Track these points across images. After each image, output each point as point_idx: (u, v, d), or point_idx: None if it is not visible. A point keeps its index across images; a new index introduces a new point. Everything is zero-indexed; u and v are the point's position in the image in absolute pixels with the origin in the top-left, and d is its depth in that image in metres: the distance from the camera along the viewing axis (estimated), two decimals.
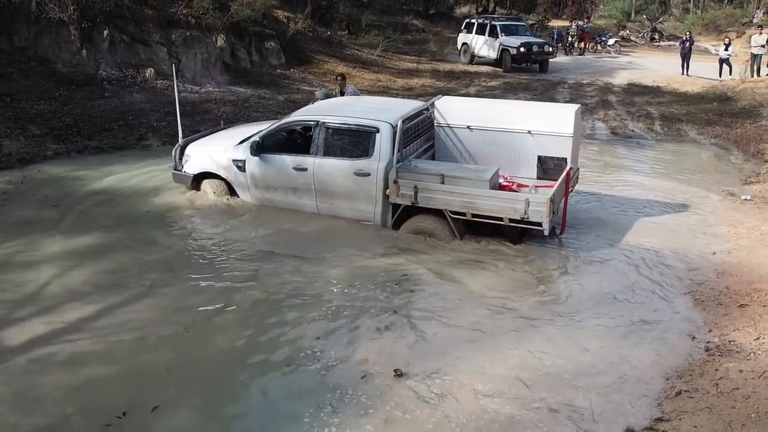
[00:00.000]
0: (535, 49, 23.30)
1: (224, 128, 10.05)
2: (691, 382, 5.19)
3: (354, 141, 8.07)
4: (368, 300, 6.52)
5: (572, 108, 8.34)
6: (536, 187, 7.85)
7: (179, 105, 9.54)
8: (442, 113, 8.64)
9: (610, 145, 13.09)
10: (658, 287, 6.88)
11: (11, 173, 9.94)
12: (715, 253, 7.66)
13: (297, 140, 8.65)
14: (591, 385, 5.16)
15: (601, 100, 17.71)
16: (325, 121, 8.21)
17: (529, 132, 8.17)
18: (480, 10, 40.43)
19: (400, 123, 7.65)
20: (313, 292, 6.65)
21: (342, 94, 11.24)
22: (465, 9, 43.92)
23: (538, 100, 17.41)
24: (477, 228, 7.80)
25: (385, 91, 18.13)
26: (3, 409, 4.82)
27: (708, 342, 5.80)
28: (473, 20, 26.21)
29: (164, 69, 15.76)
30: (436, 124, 8.70)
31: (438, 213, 7.73)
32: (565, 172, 7.82)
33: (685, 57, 22.32)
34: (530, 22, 32.33)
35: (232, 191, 8.96)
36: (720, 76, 20.89)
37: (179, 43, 16.66)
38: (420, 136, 8.54)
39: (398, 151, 7.70)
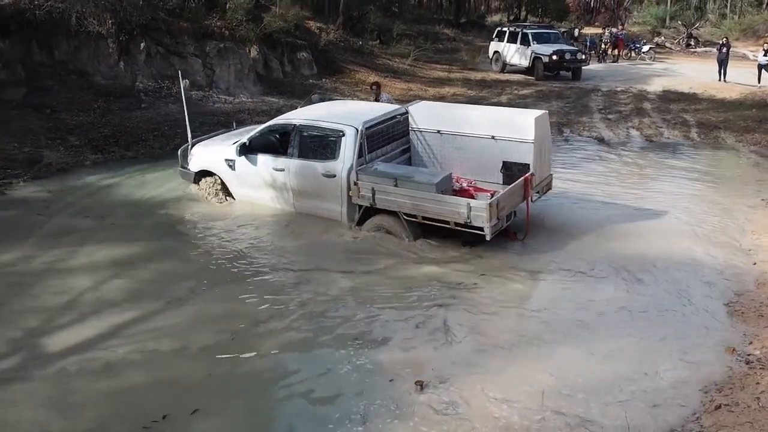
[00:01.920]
0: (567, 56, 23.09)
1: (234, 130, 10.27)
2: (731, 396, 5.06)
3: (323, 144, 8.36)
4: (402, 309, 6.53)
5: (534, 114, 8.30)
6: (492, 193, 7.91)
7: (187, 109, 9.93)
8: (415, 118, 8.85)
9: (645, 153, 12.89)
10: (695, 298, 6.73)
11: (51, 182, 10.19)
12: (755, 264, 7.47)
13: (278, 142, 8.90)
14: (626, 398, 5.07)
15: (636, 108, 17.46)
16: (300, 124, 8.56)
17: (492, 137, 8.24)
18: (512, 18, 40.33)
19: (362, 127, 8.02)
20: (347, 301, 6.68)
21: (376, 101, 11.27)
22: (496, 17, 43.84)
23: (571, 108, 17.32)
24: (433, 230, 7.84)
25: (416, 100, 18.12)
26: (43, 414, 4.92)
27: (749, 354, 5.65)
28: (505, 28, 26.12)
29: (199, 80, 16.05)
30: (410, 129, 8.88)
31: (395, 214, 7.90)
32: (521, 179, 7.82)
33: (722, 63, 21.91)
34: (562, 29, 32.07)
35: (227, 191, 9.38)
36: (759, 82, 20.45)
37: (213, 54, 16.94)
38: (395, 139, 8.78)
39: (361, 155, 8.06)
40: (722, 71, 21.90)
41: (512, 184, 7.81)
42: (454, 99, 18.95)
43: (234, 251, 7.88)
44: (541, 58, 23.14)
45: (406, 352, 5.79)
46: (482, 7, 48.28)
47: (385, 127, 8.57)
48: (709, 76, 22.40)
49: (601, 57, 29.15)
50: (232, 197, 9.34)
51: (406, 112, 8.93)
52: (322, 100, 10.99)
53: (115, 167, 11.18)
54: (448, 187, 7.80)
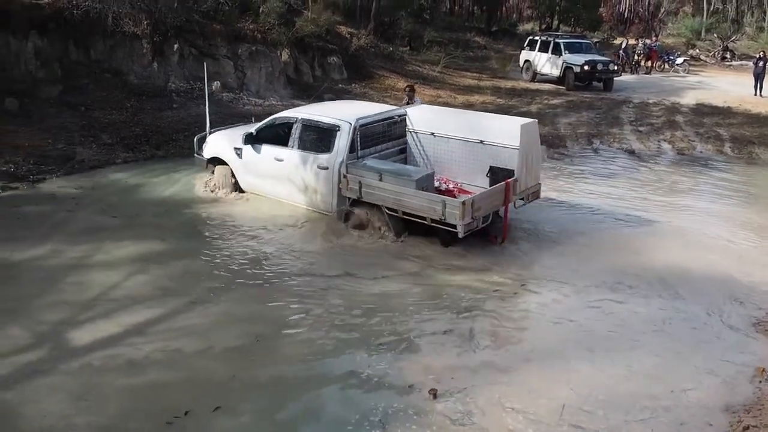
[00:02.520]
0: (599, 67, 22.85)
1: (253, 123, 10.42)
2: (760, 417, 4.94)
3: (320, 137, 8.73)
4: (427, 315, 6.53)
5: (521, 121, 8.42)
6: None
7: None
8: (412, 119, 9.15)
9: (677, 167, 12.70)
10: (725, 315, 6.61)
11: (82, 179, 10.38)
12: None
13: (282, 134, 9.19)
14: (650, 416, 4.98)
15: (668, 121, 17.21)
16: (302, 117, 9.02)
17: (481, 142, 8.45)
18: (543, 27, 40.06)
19: (356, 124, 8.40)
20: (372, 306, 6.69)
21: (408, 105, 11.27)
22: (528, 26, 43.61)
23: (602, 119, 17.14)
24: (414, 227, 8.04)
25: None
26: (67, 407, 4.99)
27: None
28: (536, 37, 25.94)
29: (230, 82, 16.22)
30: (407, 130, 9.17)
31: (379, 208, 8.18)
32: (501, 184, 7.99)
33: (759, 77, 21.52)
34: (595, 40, 31.78)
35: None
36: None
37: (245, 57, 17.12)
38: (392, 139, 9.12)
39: (353, 150, 8.41)
40: (758, 85, 21.51)
41: (490, 188, 8.10)
42: (483, 107, 18.88)
43: (258, 253, 7.92)
44: (572, 67, 22.93)
45: (429, 358, 5.78)
46: (514, 16, 48.09)
47: (381, 126, 8.94)
48: (745, 90, 22.02)
49: (634, 68, 28.82)
50: (241, 190, 9.69)
51: (405, 114, 9.21)
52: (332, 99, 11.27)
53: (145, 166, 11.35)
54: (429, 185, 8.03)
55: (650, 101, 20.36)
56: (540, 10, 41.21)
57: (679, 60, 29.65)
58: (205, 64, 12.73)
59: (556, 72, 23.71)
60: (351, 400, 5.21)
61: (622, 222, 9.28)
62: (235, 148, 9.50)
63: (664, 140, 14.94)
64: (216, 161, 9.90)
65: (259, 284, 7.14)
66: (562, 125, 16.33)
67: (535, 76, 24.88)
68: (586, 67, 22.57)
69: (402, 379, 5.45)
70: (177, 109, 14.22)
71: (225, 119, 13.84)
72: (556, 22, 41.20)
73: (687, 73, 28.41)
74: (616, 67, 23.92)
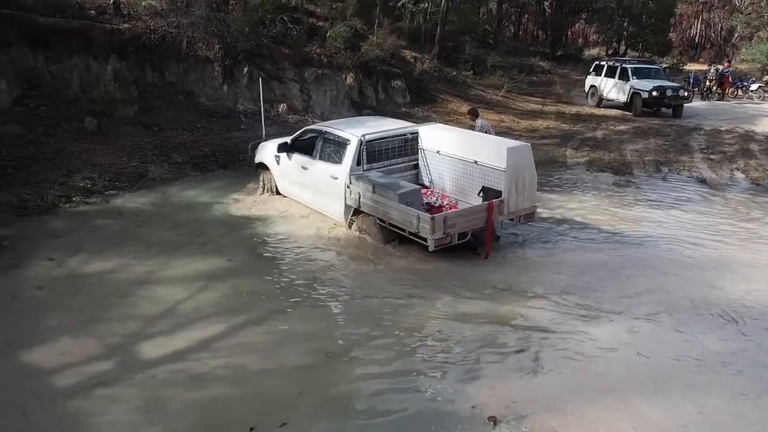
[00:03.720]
0: (668, 93, 22.24)
1: None
2: None
3: (335, 149, 9.38)
4: (493, 339, 6.51)
5: (509, 144, 8.74)
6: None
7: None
8: (422, 137, 9.68)
9: (751, 197, 12.18)
10: None
11: (153, 196, 10.78)
12: None
13: (309, 145, 9.91)
14: None
15: (741, 149, 16.57)
16: (324, 130, 9.72)
17: (475, 162, 8.80)
18: (610, 52, 39.42)
19: (363, 138, 8.99)
20: (437, 327, 6.72)
21: (472, 128, 11.49)
22: (594, 51, 43.00)
23: (671, 146, 16.66)
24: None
25: (507, 132, 17.98)
26: (135, 418, 5.15)
27: None
28: (603, 62, 25.50)
29: (296, 105, 16.58)
30: (419, 147, 9.69)
31: (373, 218, 8.72)
32: (482, 204, 8.39)
33: None
34: (664, 65, 31.04)
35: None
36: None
37: (311, 80, 17.49)
38: (404, 155, 9.67)
39: (359, 163, 9.01)
40: None
41: (468, 207, 8.54)
42: (547, 132, 18.70)
43: (316, 273, 8.04)
44: (640, 93, 22.43)
45: (492, 382, 5.77)
46: (579, 41, 47.53)
47: (391, 142, 9.48)
48: None
49: (705, 95, 27.96)
50: (279, 193, 10.62)
51: (417, 132, 9.71)
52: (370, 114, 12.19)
53: (212, 184, 11.69)
54: (415, 200, 8.39)
55: (722, 128, 19.68)
56: (607, 35, 40.61)
57: (754, 86, 28.59)
58: (260, 79, 13.71)
59: (622, 98, 23.23)
60: (413, 420, 5.23)
61: (694, 252, 8.97)
62: (275, 156, 10.36)
63: (738, 169, 14.38)
64: (263, 167, 10.82)
65: (321, 304, 7.24)
66: (629, 152, 15.96)
67: (601, 102, 24.44)
68: (654, 93, 22.01)
69: (464, 400, 5.46)
70: (244, 130, 14.60)
71: None
72: (623, 47, 40.50)
73: (762, 99, 27.35)
74: (686, 93, 23.25)
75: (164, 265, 8.08)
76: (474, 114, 12.13)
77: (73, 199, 10.18)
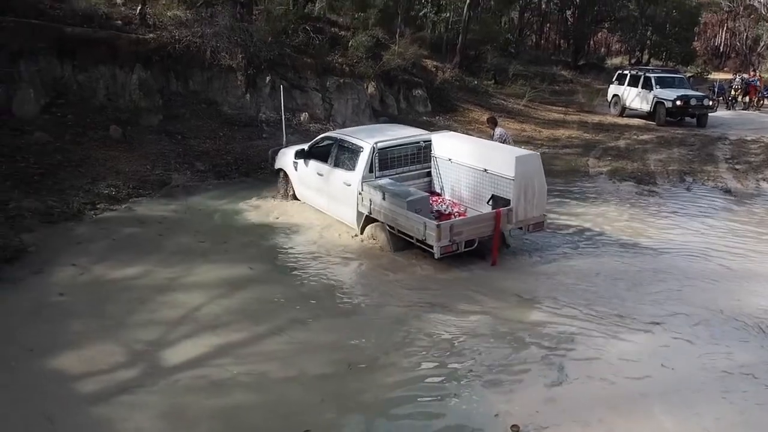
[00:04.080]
0: (693, 102, 22.01)
1: None
2: None
3: (349, 156, 9.52)
4: (518, 348, 6.49)
5: (516, 153, 8.74)
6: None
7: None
8: (435, 145, 9.74)
9: None
10: None
11: (176, 203, 10.90)
12: None
13: (325, 151, 10.09)
14: None
15: None
16: (339, 137, 9.90)
17: (485, 170, 8.85)
18: (633, 61, 39.13)
19: (375, 145, 9.11)
20: (460, 336, 6.71)
21: (491, 138, 11.60)
22: (617, 60, 42.73)
23: (695, 156, 16.48)
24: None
25: (529, 141, 17.94)
26: (158, 424, 5.19)
27: None
28: (626, 71, 25.31)
29: (318, 113, 16.68)
30: (432, 155, 9.77)
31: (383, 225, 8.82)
32: (489, 212, 8.46)
33: None
34: (688, 74, 30.73)
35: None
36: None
37: (333, 89, 17.59)
38: (417, 162, 9.78)
39: (372, 170, 9.12)
40: None
41: (475, 215, 8.62)
42: (569, 141, 18.60)
43: (338, 282, 8.07)
44: (663, 102, 22.23)
45: (517, 390, 5.78)
46: (602, 50, 47.25)
47: (403, 149, 9.59)
48: None
49: (730, 104, 27.61)
50: (297, 198, 10.82)
51: (430, 140, 9.77)
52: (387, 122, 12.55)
53: (234, 192, 11.79)
54: (423, 207, 8.46)
55: (748, 138, 19.41)
56: (630, 43, 40.30)
57: None
58: (281, 87, 14.02)
59: (646, 107, 23.04)
60: (435, 428, 5.27)
61: (718, 263, 8.86)
62: (294, 162, 10.60)
63: (764, 179, 14.16)
64: (282, 173, 11.13)
65: (341, 312, 7.26)
66: (652, 161, 15.80)
67: (624, 111, 24.25)
68: (678, 102, 21.80)
69: (488, 409, 5.48)
70: (266, 138, 14.71)
71: None
72: (646, 56, 40.18)
73: None
74: (710, 103, 22.97)
75: (187, 272, 8.15)
76: (493, 122, 12.18)
77: (98, 206, 10.32)
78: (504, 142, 11.42)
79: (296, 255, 8.91)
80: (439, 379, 5.96)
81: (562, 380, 5.92)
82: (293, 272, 8.33)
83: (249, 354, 6.28)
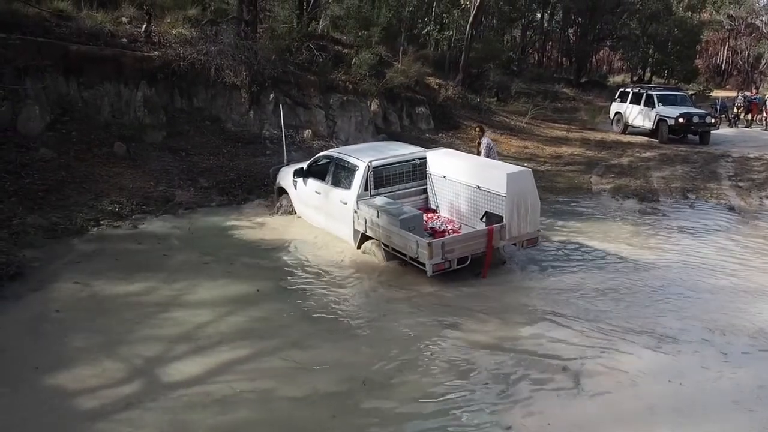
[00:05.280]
0: (695, 120, 22.03)
1: None
2: None
3: (345, 175, 9.63)
4: (529, 362, 6.58)
5: (508, 170, 8.81)
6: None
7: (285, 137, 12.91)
8: (430, 163, 9.82)
9: None
10: None
11: (179, 221, 10.91)
12: None
13: (322, 170, 10.20)
14: None
15: None
16: (336, 156, 10.00)
17: (478, 187, 8.91)
18: (635, 79, 39.28)
19: (370, 164, 9.23)
20: (470, 351, 6.78)
21: (478, 145, 12.16)
22: (618, 78, 42.87)
23: (698, 173, 16.48)
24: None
25: (532, 159, 17.96)
26: None
27: None
28: (628, 89, 25.40)
29: (321, 131, 16.75)
30: (427, 172, 9.85)
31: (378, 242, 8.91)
32: (481, 229, 8.54)
33: None
34: (690, 92, 30.80)
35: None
36: None
37: (336, 106, 17.67)
38: (413, 180, 9.87)
39: (367, 188, 9.23)
40: None
41: (467, 232, 8.71)
42: (571, 158, 18.61)
43: (345, 299, 8.09)
44: (666, 120, 22.25)
45: (529, 402, 5.86)
46: (604, 68, 47.44)
47: (398, 167, 9.69)
48: None
49: (733, 122, 27.66)
50: (296, 214, 10.95)
51: (425, 157, 9.84)
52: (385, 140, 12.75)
53: (237, 209, 11.81)
54: (416, 225, 8.53)
55: (751, 156, 19.41)
56: (632, 62, 40.46)
57: None
58: (281, 105, 14.07)
59: (648, 124, 23.07)
60: None
61: (724, 280, 8.89)
62: (293, 180, 10.71)
63: (767, 197, 14.15)
64: (282, 191, 11.28)
65: (348, 330, 7.25)
66: (655, 179, 15.80)
67: (626, 129, 24.28)
68: (681, 120, 21.82)
69: (501, 422, 5.55)
70: (270, 155, 14.75)
71: None
72: (648, 74, 40.33)
73: None
74: (713, 120, 23.01)
75: (189, 289, 8.14)
76: (482, 131, 12.79)
77: (102, 222, 10.34)
78: (489, 151, 11.80)
79: (299, 272, 8.90)
80: (450, 392, 6.01)
81: (572, 395, 5.97)
82: (297, 290, 8.32)
83: (252, 370, 6.28)
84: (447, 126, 21.18)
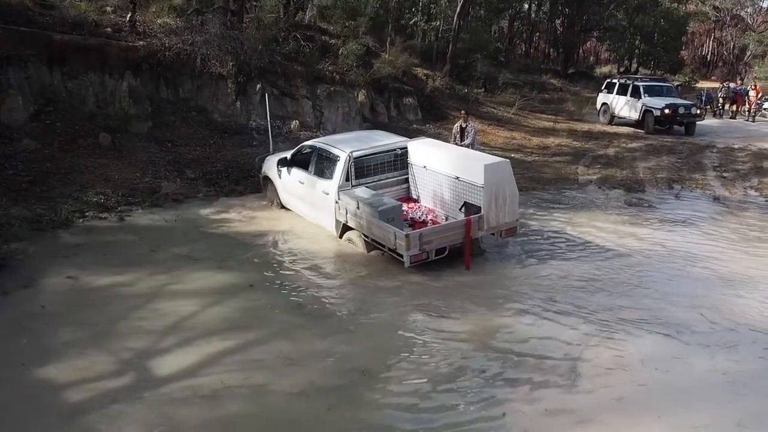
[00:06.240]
0: (681, 110, 22.16)
1: None
2: None
3: (327, 165, 9.63)
4: (527, 352, 6.62)
5: (486, 160, 8.76)
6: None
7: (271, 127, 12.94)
8: (411, 153, 9.85)
9: (764, 215, 12.08)
10: None
11: (166, 212, 10.84)
12: None
13: (305, 160, 10.21)
14: None
15: (755, 167, 16.46)
16: (318, 146, 9.99)
17: (457, 178, 8.96)
18: (622, 70, 39.41)
19: (351, 154, 9.24)
20: (466, 341, 6.82)
21: (462, 129, 12.51)
22: (606, 69, 43.00)
23: (683, 164, 16.59)
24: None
25: (519, 149, 18.01)
26: None
27: None
28: (614, 80, 25.48)
29: (308, 121, 16.68)
30: (408, 162, 9.87)
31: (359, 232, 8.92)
32: (459, 220, 8.60)
33: None
34: (676, 83, 30.95)
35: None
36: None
37: (323, 97, 17.60)
38: (394, 169, 9.90)
39: (348, 179, 9.25)
40: None
41: (445, 223, 8.74)
42: (558, 149, 18.68)
43: (337, 289, 8.11)
44: (652, 111, 22.37)
45: (527, 390, 5.95)
46: (591, 58, 47.56)
47: (379, 157, 9.70)
48: None
49: (718, 113, 27.86)
50: (283, 206, 10.88)
51: (406, 147, 9.85)
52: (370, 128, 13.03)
53: (224, 200, 11.75)
54: (396, 216, 8.55)
55: (735, 146, 19.58)
56: (618, 52, 40.60)
57: (767, 104, 28.43)
58: (266, 96, 14.00)
59: (634, 115, 23.18)
60: (444, 428, 5.39)
61: (710, 269, 9.00)
62: (278, 170, 10.65)
63: (751, 187, 14.29)
64: (268, 180, 11.23)
65: (340, 321, 7.27)
66: (641, 169, 15.90)
67: (613, 119, 24.38)
68: (666, 111, 21.94)
69: (497, 409, 5.64)
70: (257, 146, 14.67)
71: None
72: (634, 65, 40.49)
73: None
74: (698, 111, 23.15)
75: (176, 281, 8.11)
76: (466, 114, 13.15)
77: (87, 214, 10.25)
78: (473, 134, 12.33)
79: (289, 263, 8.89)
80: (445, 381, 6.06)
81: (565, 383, 6.05)
82: (285, 281, 8.30)
83: (242, 361, 6.27)
84: (435, 116, 21.16)
